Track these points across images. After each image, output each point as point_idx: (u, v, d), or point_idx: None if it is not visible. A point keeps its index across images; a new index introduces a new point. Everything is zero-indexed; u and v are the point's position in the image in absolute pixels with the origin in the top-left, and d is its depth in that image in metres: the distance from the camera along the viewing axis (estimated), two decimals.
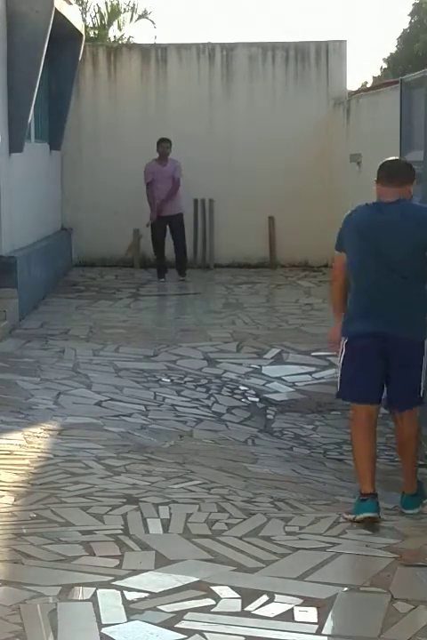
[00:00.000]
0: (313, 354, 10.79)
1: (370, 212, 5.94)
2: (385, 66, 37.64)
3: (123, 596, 4.32)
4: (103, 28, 22.14)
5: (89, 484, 6.02)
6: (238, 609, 4.23)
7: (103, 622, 4.06)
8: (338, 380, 6.08)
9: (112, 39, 22.05)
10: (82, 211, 16.72)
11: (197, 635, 3.97)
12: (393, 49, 37.39)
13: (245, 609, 4.23)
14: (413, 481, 6.14)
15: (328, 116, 16.60)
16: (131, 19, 22.58)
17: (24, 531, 5.13)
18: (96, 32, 21.96)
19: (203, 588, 4.42)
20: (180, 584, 4.47)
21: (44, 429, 7.43)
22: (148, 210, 15.50)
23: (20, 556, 4.78)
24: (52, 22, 12.63)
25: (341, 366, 6.02)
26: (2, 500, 5.61)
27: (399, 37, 36.73)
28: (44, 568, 4.65)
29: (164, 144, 15.52)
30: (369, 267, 5.86)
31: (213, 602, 4.29)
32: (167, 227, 15.56)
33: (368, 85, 28.29)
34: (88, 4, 22.12)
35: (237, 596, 4.36)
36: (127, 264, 16.76)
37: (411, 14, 36.31)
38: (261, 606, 4.26)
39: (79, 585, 4.44)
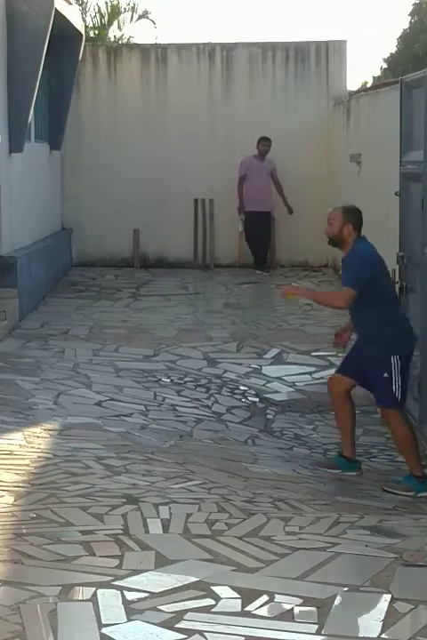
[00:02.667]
0: (313, 354, 10.79)
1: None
2: (385, 66, 37.69)
3: (123, 596, 4.31)
4: (103, 28, 22.15)
5: (89, 483, 6.01)
6: (238, 609, 4.23)
7: (103, 622, 4.05)
8: (399, 390, 6.89)
9: (112, 39, 22.06)
10: (82, 211, 16.72)
11: (197, 635, 3.97)
12: (393, 49, 37.47)
13: (245, 609, 4.23)
14: None
15: (328, 116, 16.59)
16: (131, 19, 22.61)
17: (24, 531, 5.13)
18: (96, 32, 21.97)
19: (203, 588, 4.42)
20: (180, 584, 4.46)
21: (44, 429, 7.42)
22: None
23: (20, 556, 4.77)
24: (52, 22, 12.63)
25: (399, 379, 6.85)
26: (2, 500, 5.61)
27: (399, 37, 36.79)
28: (44, 568, 4.64)
29: (265, 142, 16.07)
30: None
31: (213, 602, 4.29)
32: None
33: (368, 85, 28.28)
34: (88, 4, 22.19)
35: (237, 595, 4.35)
36: (127, 264, 16.76)
37: (411, 14, 36.37)
38: (261, 606, 4.25)
39: (79, 585, 4.43)
